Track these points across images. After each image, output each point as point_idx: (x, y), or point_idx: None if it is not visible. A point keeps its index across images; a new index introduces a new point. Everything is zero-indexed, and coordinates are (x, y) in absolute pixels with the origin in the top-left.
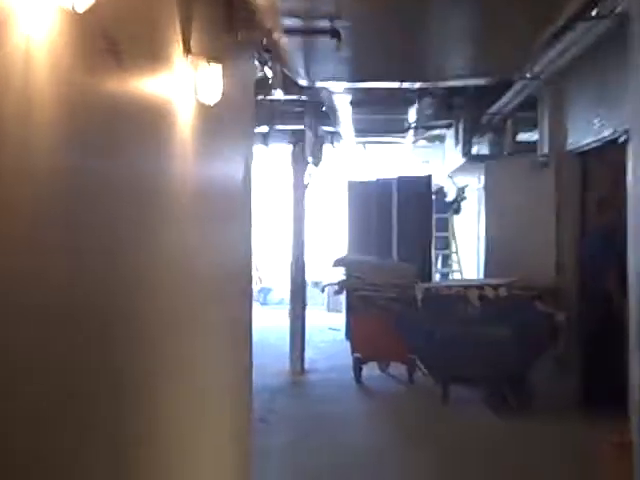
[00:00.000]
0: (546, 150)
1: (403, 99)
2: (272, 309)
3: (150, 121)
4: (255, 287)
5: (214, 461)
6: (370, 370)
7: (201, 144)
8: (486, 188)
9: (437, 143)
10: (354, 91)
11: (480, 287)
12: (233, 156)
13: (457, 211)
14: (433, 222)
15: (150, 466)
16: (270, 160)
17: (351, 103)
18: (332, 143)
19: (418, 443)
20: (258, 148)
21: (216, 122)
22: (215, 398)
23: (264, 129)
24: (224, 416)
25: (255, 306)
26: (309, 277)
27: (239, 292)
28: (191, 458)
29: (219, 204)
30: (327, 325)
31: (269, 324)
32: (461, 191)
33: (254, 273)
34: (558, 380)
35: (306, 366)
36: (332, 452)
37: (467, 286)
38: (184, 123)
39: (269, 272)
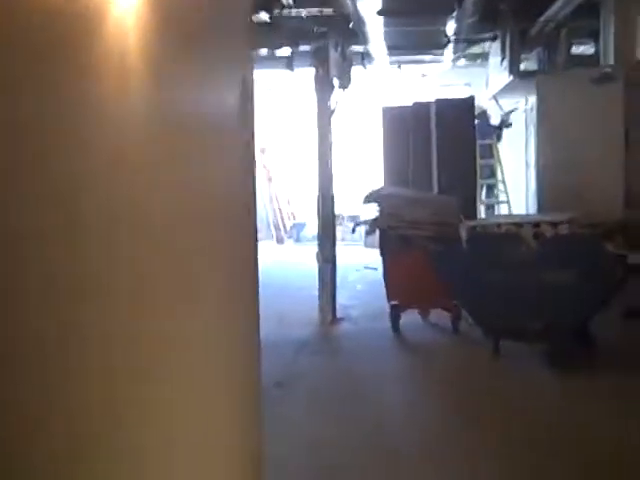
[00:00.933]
0: (611, 61)
1: (440, 5)
2: (306, 246)
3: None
4: (288, 223)
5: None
6: (410, 317)
7: (161, 64)
8: (538, 108)
9: (479, 62)
10: None
11: (536, 224)
12: (219, 84)
13: (499, 137)
14: (477, 149)
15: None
16: (297, 86)
17: (380, 13)
18: (363, 65)
19: (467, 417)
20: (281, 73)
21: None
22: (204, 367)
23: (286, 51)
24: (221, 384)
25: (288, 244)
26: (345, 211)
27: (238, 233)
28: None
29: (200, 140)
30: (364, 263)
31: (301, 263)
32: (507, 115)
33: (286, 208)
34: (628, 332)
35: (338, 314)
36: (354, 428)
37: (520, 223)
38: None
39: (302, 206)
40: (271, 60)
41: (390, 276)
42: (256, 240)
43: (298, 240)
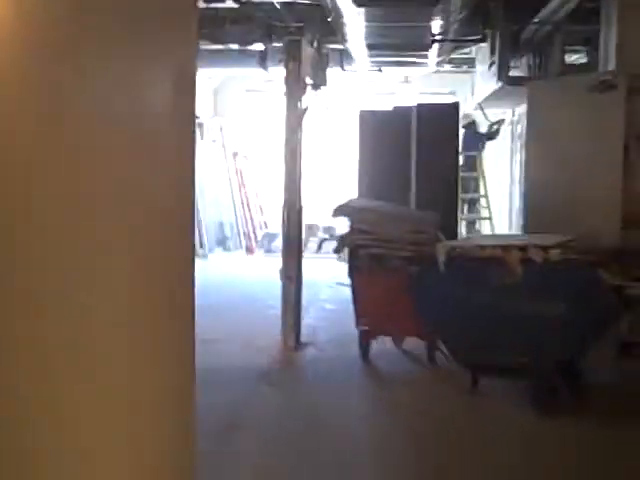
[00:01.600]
0: (611, 67)
1: None
2: (277, 257)
3: None
4: (259, 233)
5: None
6: (381, 344)
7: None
8: (528, 117)
9: (466, 68)
10: None
11: (523, 247)
12: (146, 75)
13: (482, 147)
14: (460, 160)
15: None
16: (274, 86)
17: (357, 1)
18: (341, 65)
19: (435, 464)
20: (255, 71)
21: None
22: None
23: (259, 47)
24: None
25: (258, 254)
26: (320, 221)
27: (170, 240)
28: None
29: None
30: (337, 279)
31: (271, 277)
32: (496, 124)
33: (257, 217)
34: (622, 371)
35: (305, 337)
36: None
37: (506, 246)
38: None
39: (275, 215)
40: (243, 56)
41: (359, 299)
42: (192, 257)
43: (269, 251)
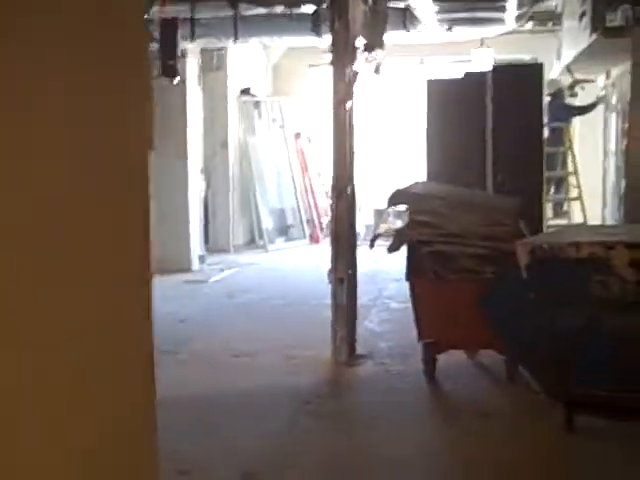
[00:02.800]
0: None
1: None
2: None
3: None
4: (324, 220)
5: None
6: (450, 355)
7: None
8: (634, 74)
9: (550, 26)
10: None
11: (632, 245)
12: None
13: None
14: (544, 133)
15: None
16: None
17: None
18: (405, 26)
19: None
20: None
21: None
22: None
23: (309, 9)
24: None
25: (324, 243)
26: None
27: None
28: None
29: None
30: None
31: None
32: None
33: (322, 202)
34: None
35: (361, 346)
36: None
37: (609, 243)
38: None
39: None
40: (292, 22)
41: (422, 307)
42: (149, 279)
43: None
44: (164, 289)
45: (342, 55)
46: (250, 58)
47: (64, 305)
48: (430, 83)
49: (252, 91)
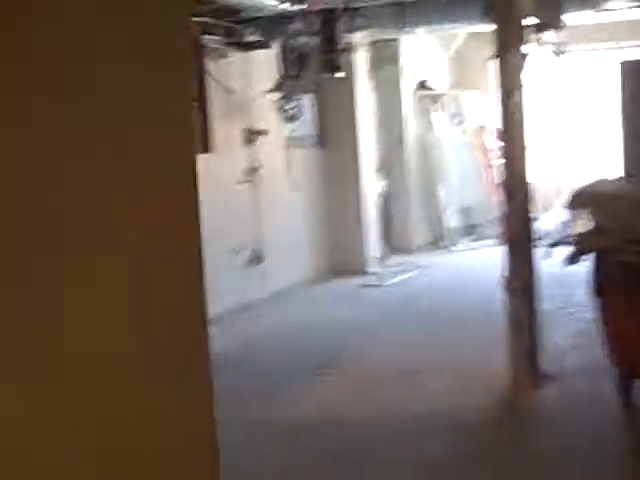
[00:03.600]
0: None
1: None
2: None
3: None
4: None
5: None
6: None
7: None
8: None
9: None
10: None
11: None
12: None
13: None
14: None
15: None
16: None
17: None
18: (593, 4)
19: None
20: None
21: None
22: None
23: None
24: None
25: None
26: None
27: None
28: None
29: None
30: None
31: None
32: None
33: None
34: None
35: (548, 363)
36: None
37: None
38: None
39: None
40: (464, 6)
41: (613, 327)
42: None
43: None
44: (337, 293)
45: (507, 38)
46: (426, 49)
47: None
48: (626, 65)
49: (429, 84)
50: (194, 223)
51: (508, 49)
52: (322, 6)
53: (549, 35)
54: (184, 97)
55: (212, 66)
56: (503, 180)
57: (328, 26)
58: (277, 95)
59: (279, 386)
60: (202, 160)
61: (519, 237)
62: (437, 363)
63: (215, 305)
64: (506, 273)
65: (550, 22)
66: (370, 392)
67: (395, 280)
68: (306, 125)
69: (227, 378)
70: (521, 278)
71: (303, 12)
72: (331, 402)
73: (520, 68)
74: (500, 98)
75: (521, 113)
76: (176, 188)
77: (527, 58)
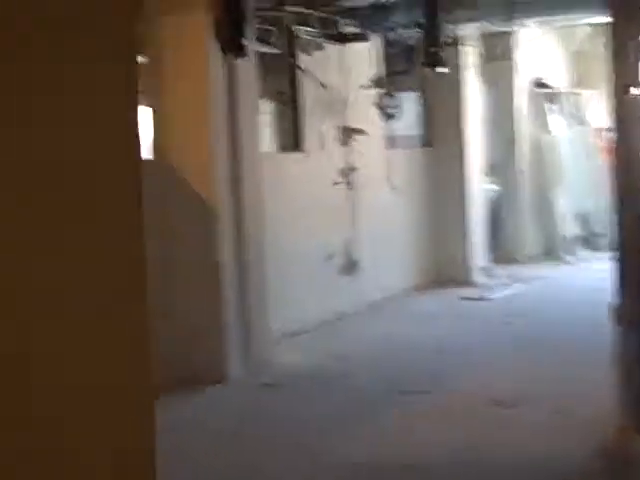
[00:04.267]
0: None
1: None
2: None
3: None
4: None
5: None
6: None
7: None
8: None
9: None
10: None
11: None
12: None
13: None
14: None
15: None
16: None
17: None
18: None
19: None
20: None
21: None
22: None
23: None
24: None
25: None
26: None
27: None
28: None
29: None
30: None
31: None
32: None
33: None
34: None
35: None
36: None
37: None
38: None
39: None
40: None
41: None
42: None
43: (597, 249)
44: (435, 307)
45: (622, 25)
46: (544, 44)
47: None
48: None
49: (546, 81)
50: (136, 240)
51: (622, 37)
52: None
53: None
54: (124, 98)
55: (306, 59)
56: (614, 188)
57: (430, 17)
58: (376, 91)
59: (354, 414)
60: (293, 159)
61: (633, 256)
62: (535, 398)
63: (306, 313)
64: (616, 300)
65: None
66: (457, 429)
67: (500, 294)
68: (409, 124)
69: (301, 402)
70: (634, 308)
71: (404, 2)
72: (407, 441)
73: (638, 62)
74: (614, 94)
75: (638, 111)
76: (114, 189)
77: None
